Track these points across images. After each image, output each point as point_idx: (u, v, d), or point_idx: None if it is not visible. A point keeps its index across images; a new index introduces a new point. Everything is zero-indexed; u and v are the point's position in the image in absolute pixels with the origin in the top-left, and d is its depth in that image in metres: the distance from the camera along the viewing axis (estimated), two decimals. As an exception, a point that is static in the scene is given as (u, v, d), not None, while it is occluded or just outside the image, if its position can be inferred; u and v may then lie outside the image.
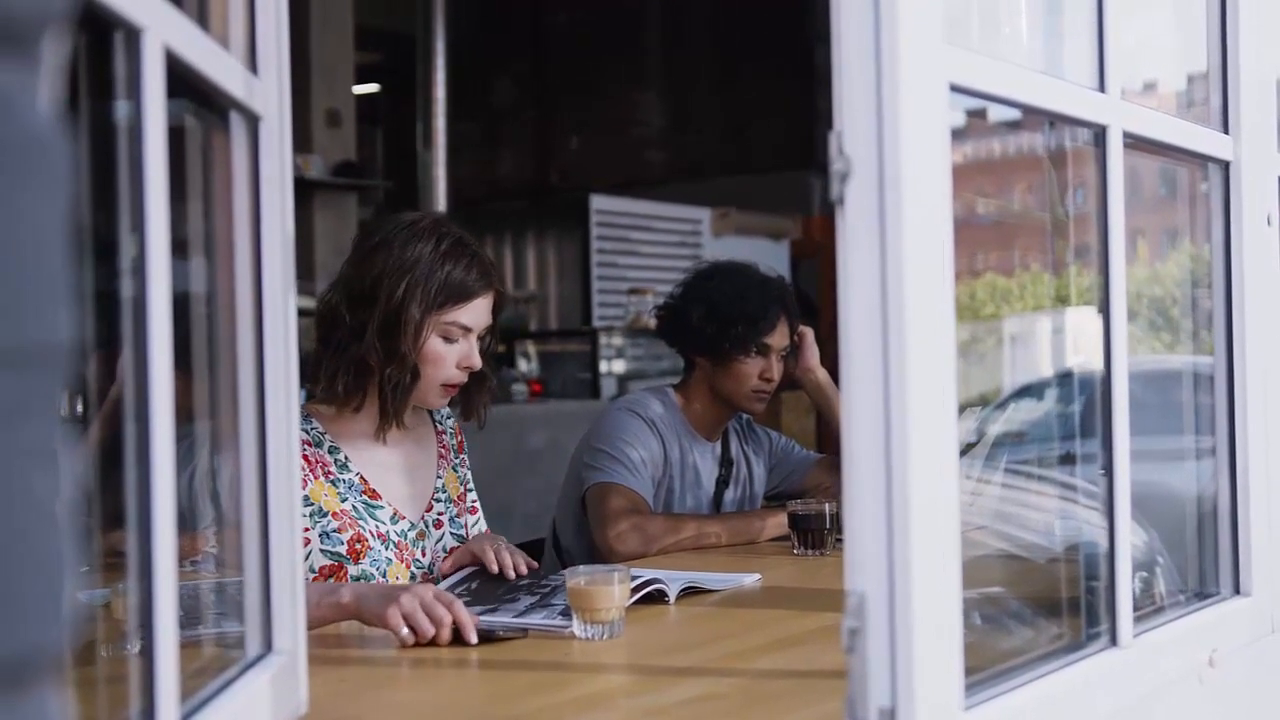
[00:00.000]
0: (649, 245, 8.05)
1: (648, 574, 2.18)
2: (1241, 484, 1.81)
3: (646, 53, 9.60)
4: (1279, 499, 1.86)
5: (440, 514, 2.34)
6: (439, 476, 2.37)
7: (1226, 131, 1.82)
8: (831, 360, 2.20)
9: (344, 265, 2.26)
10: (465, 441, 2.47)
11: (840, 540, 2.59)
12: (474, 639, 1.83)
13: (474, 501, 2.44)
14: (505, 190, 9.63)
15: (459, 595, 2.02)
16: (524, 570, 2.18)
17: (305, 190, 6.91)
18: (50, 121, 0.59)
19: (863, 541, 1.14)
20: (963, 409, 1.26)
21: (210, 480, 1.45)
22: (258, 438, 1.37)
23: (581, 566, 1.97)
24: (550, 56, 9.82)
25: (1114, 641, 1.50)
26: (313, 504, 2.16)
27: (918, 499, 1.13)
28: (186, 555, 1.21)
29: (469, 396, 2.33)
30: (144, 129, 0.99)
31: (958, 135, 1.23)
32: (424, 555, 2.29)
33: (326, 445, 2.23)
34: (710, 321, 2.91)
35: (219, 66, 1.22)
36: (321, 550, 2.16)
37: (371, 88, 9.21)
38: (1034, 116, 1.59)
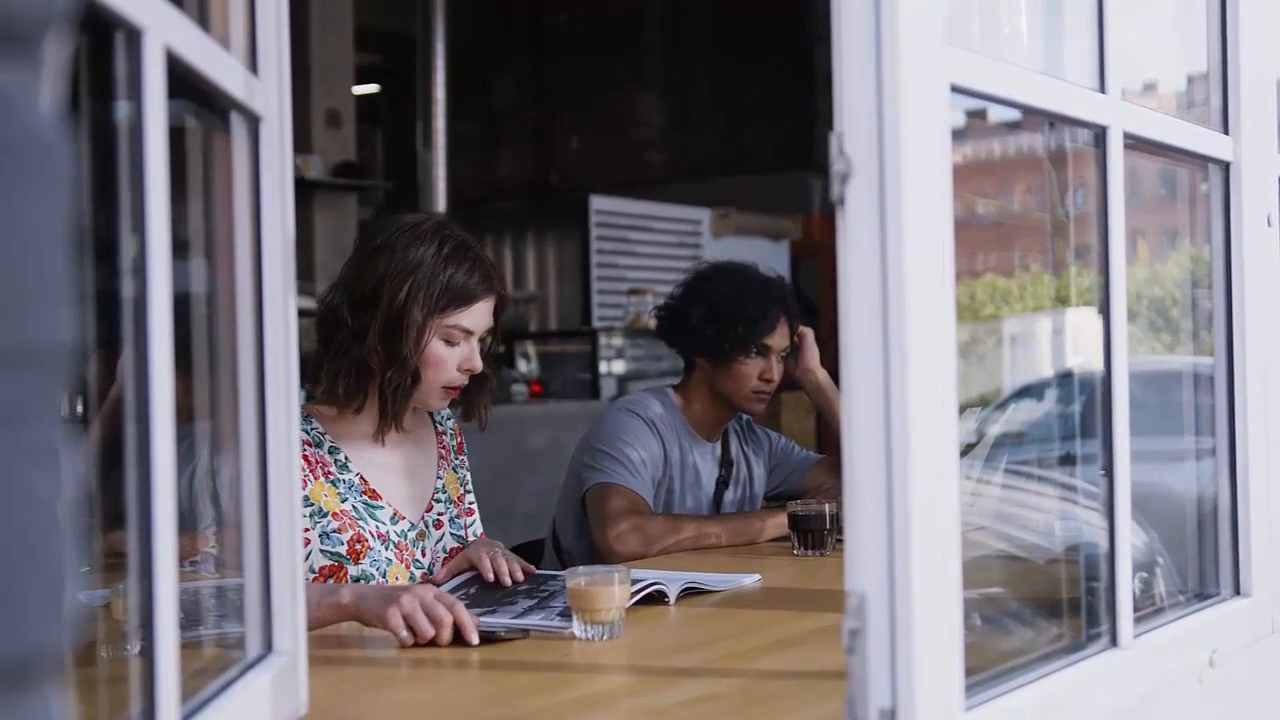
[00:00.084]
0: (649, 246, 8.05)
1: (649, 576, 2.18)
2: (1241, 484, 1.81)
3: (646, 53, 9.60)
4: (1279, 499, 1.86)
5: (440, 514, 2.34)
6: (439, 477, 2.37)
7: (1226, 132, 1.82)
8: (831, 361, 2.20)
9: (345, 267, 2.26)
10: (465, 442, 2.47)
11: (840, 541, 2.59)
12: (475, 639, 1.83)
13: (471, 503, 2.44)
14: (505, 190, 9.63)
15: (458, 598, 2.02)
16: (520, 577, 2.17)
17: (305, 191, 6.91)
18: (52, 122, 0.59)
19: (863, 542, 1.14)
20: (962, 409, 1.26)
21: (210, 480, 1.45)
22: (258, 438, 1.37)
23: (581, 567, 1.97)
24: (550, 57, 9.82)
25: (1114, 642, 1.51)
26: (313, 504, 2.16)
27: (918, 499, 1.13)
28: (186, 555, 1.21)
29: (470, 398, 2.33)
30: (145, 129, 0.99)
31: (957, 135, 1.23)
32: (424, 556, 2.29)
33: (327, 445, 2.23)
34: (710, 322, 2.91)
35: (219, 67, 1.22)
36: (321, 550, 2.16)
37: (371, 88, 9.21)
38: (1034, 117, 1.59)
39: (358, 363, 2.18)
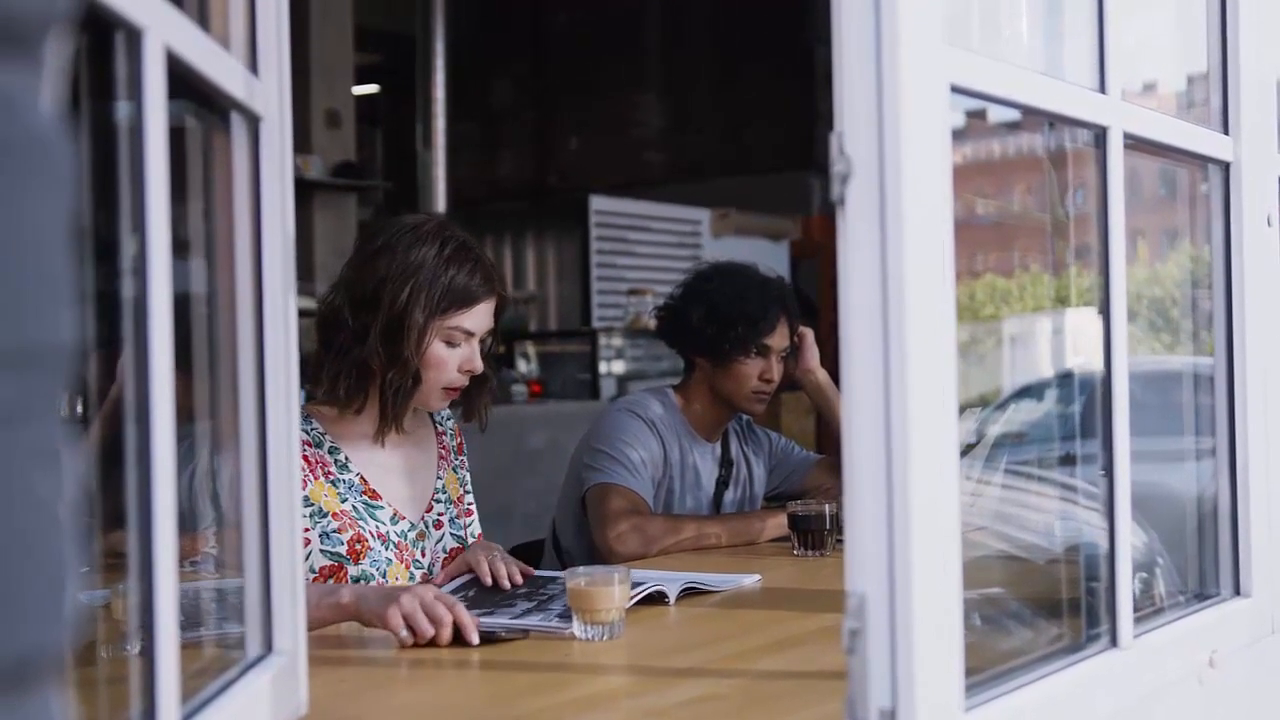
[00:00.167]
0: (648, 246, 8.05)
1: (649, 577, 2.18)
2: (1241, 485, 1.81)
3: (646, 53, 9.60)
4: (1279, 500, 1.86)
5: (440, 514, 2.34)
6: (439, 477, 2.37)
7: (1226, 132, 1.82)
8: (831, 361, 2.20)
9: (345, 268, 2.26)
10: (465, 443, 2.47)
11: (840, 541, 2.59)
12: (475, 639, 1.83)
13: (470, 504, 2.44)
14: (505, 191, 9.64)
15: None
16: (519, 580, 2.16)
17: (305, 191, 6.91)
18: (53, 122, 0.59)
19: (863, 542, 1.14)
20: (962, 410, 1.26)
21: (210, 480, 1.45)
22: (258, 438, 1.37)
23: (581, 567, 1.97)
24: (550, 57, 9.82)
25: (1114, 642, 1.51)
26: (313, 504, 2.16)
27: (918, 500, 1.13)
28: (186, 556, 1.21)
29: (470, 398, 2.33)
30: (145, 129, 0.99)
31: (957, 136, 1.23)
32: (424, 556, 2.29)
33: (327, 446, 2.23)
34: (710, 322, 2.91)
35: (220, 67, 1.22)
36: (321, 551, 2.16)
37: (371, 88, 9.21)
38: (1033, 117, 1.59)
39: (359, 364, 2.18)
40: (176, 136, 1.10)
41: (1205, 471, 1.87)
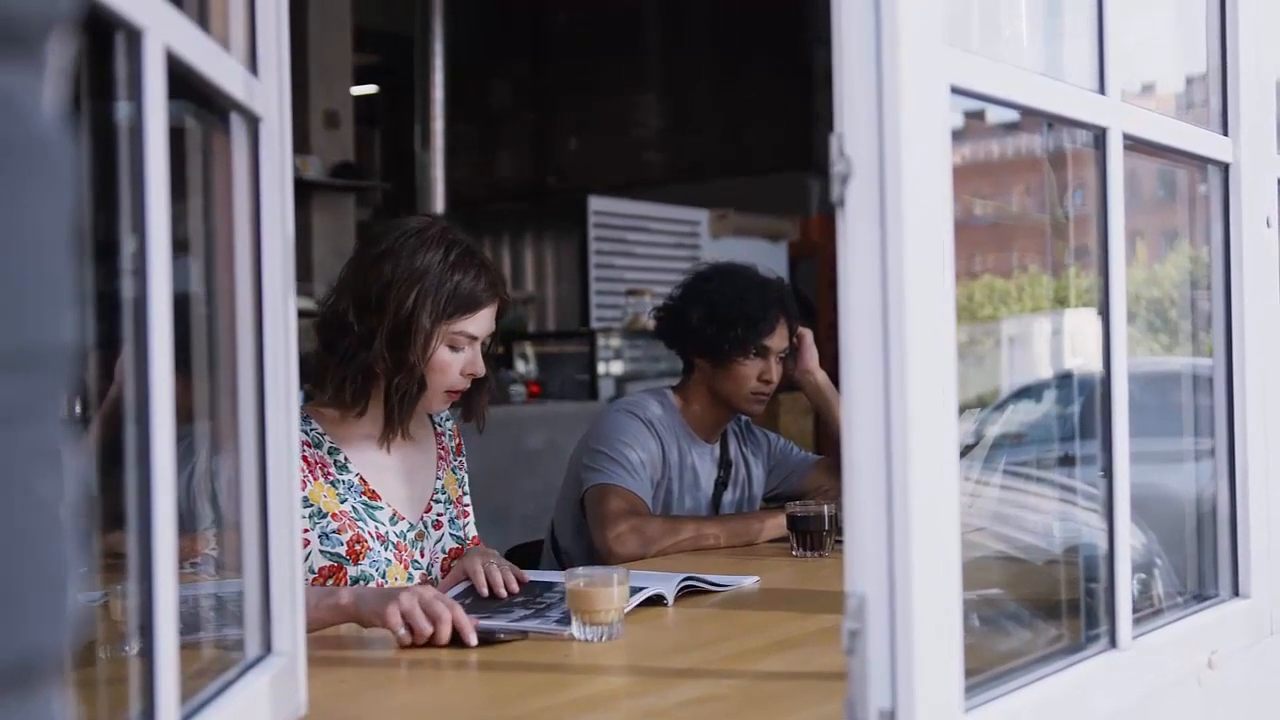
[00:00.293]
0: (647, 246, 8.06)
1: (647, 580, 2.17)
2: (1240, 486, 1.81)
3: (645, 54, 9.60)
4: (1278, 501, 1.86)
5: (439, 515, 2.34)
6: (438, 478, 2.37)
7: (1226, 133, 1.82)
8: (830, 361, 2.20)
9: (347, 271, 2.25)
10: (464, 443, 2.48)
11: (839, 542, 2.59)
12: (473, 640, 1.83)
13: (467, 505, 2.44)
14: (503, 191, 9.64)
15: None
16: (515, 588, 2.14)
17: (303, 191, 6.91)
18: (55, 123, 0.59)
19: (863, 543, 1.14)
20: (961, 410, 1.26)
21: (208, 481, 1.45)
22: (257, 439, 1.37)
23: (580, 568, 1.97)
24: (549, 58, 9.82)
25: (1113, 643, 1.51)
26: (312, 505, 2.16)
27: (918, 500, 1.13)
28: (186, 557, 1.21)
29: (469, 399, 2.33)
30: (145, 130, 0.99)
31: (956, 136, 1.23)
32: (422, 556, 2.29)
33: (326, 446, 2.23)
34: (710, 323, 2.91)
35: (219, 68, 1.22)
36: (321, 551, 2.16)
37: (370, 89, 9.20)
38: (1032, 118, 1.59)
39: (364, 369, 2.18)
40: (176, 137, 1.10)
41: (1204, 473, 1.87)
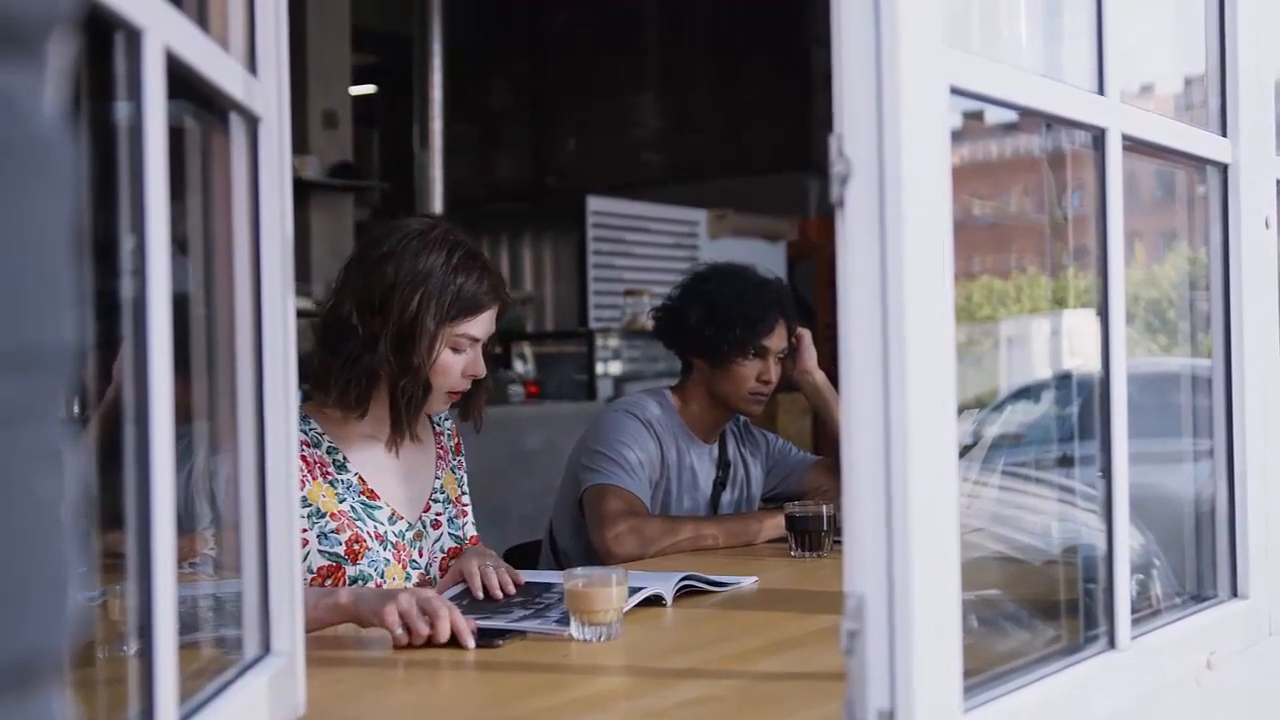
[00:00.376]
0: (645, 247, 8.06)
1: (646, 581, 2.17)
2: (1239, 487, 1.81)
3: (645, 54, 9.60)
4: (1277, 502, 1.86)
5: (438, 514, 2.35)
6: (437, 477, 2.37)
7: (1225, 134, 1.82)
8: (828, 362, 2.20)
9: (348, 274, 2.25)
10: (462, 443, 2.48)
11: (838, 542, 2.59)
12: (471, 644, 1.83)
13: (465, 504, 2.44)
14: (502, 191, 9.63)
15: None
16: (511, 590, 2.14)
17: (302, 191, 6.90)
18: (55, 123, 0.59)
19: (862, 543, 1.14)
20: (959, 411, 1.26)
21: (207, 481, 1.45)
22: (256, 439, 1.37)
23: (579, 569, 1.97)
24: (548, 58, 9.82)
25: (1112, 644, 1.51)
26: (310, 505, 2.16)
27: (918, 501, 1.13)
28: (184, 557, 1.21)
29: (467, 399, 2.34)
30: (144, 130, 0.99)
31: (954, 137, 1.22)
32: (421, 556, 2.29)
33: (325, 446, 2.23)
34: (708, 323, 2.91)
35: (219, 68, 1.22)
36: (320, 551, 2.16)
37: (368, 89, 9.20)
38: (1031, 118, 1.59)
39: (368, 372, 2.19)
40: (175, 137, 1.10)
41: (1203, 473, 1.87)
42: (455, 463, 2.43)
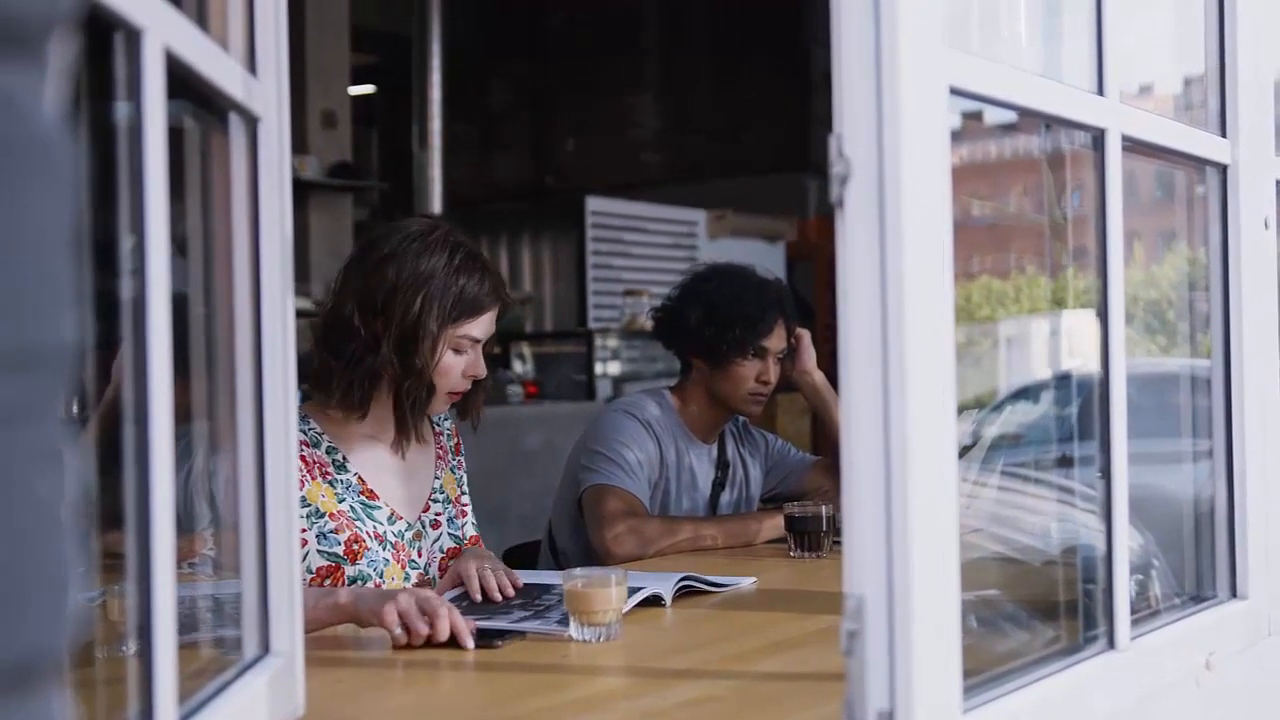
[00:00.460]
0: (645, 247, 8.05)
1: (645, 581, 2.17)
2: (1239, 487, 1.81)
3: (644, 54, 9.60)
4: (1276, 502, 1.86)
5: (438, 514, 2.35)
6: (437, 477, 2.37)
7: (1224, 135, 1.82)
8: (827, 362, 2.20)
9: (348, 275, 2.25)
10: (462, 443, 2.48)
11: (837, 543, 2.59)
12: (470, 644, 1.83)
13: (465, 505, 2.44)
14: (501, 191, 9.63)
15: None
16: (510, 592, 2.13)
17: (301, 191, 6.90)
18: (55, 123, 0.59)
19: (862, 544, 1.14)
20: (959, 411, 1.26)
21: (206, 481, 1.45)
22: (255, 439, 1.37)
23: (578, 569, 1.97)
24: (547, 58, 9.82)
25: (1111, 644, 1.51)
26: (310, 505, 2.16)
27: (917, 501, 1.13)
28: (184, 557, 1.21)
29: (466, 399, 2.34)
30: (144, 130, 0.99)
31: (954, 137, 1.22)
32: (420, 556, 2.29)
33: (325, 446, 2.23)
34: (708, 324, 2.91)
35: (218, 68, 1.22)
36: (319, 551, 2.16)
37: (367, 89, 9.20)
38: (1031, 119, 1.59)
39: (371, 373, 2.19)
40: (175, 137, 1.10)
41: (1202, 474, 1.88)
42: (455, 463, 2.43)
